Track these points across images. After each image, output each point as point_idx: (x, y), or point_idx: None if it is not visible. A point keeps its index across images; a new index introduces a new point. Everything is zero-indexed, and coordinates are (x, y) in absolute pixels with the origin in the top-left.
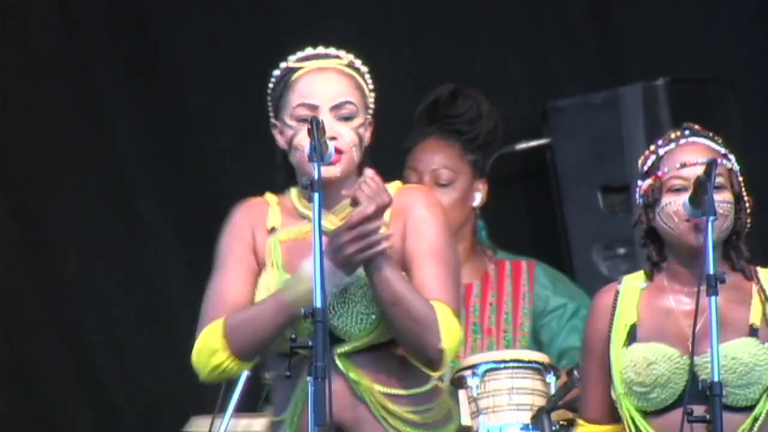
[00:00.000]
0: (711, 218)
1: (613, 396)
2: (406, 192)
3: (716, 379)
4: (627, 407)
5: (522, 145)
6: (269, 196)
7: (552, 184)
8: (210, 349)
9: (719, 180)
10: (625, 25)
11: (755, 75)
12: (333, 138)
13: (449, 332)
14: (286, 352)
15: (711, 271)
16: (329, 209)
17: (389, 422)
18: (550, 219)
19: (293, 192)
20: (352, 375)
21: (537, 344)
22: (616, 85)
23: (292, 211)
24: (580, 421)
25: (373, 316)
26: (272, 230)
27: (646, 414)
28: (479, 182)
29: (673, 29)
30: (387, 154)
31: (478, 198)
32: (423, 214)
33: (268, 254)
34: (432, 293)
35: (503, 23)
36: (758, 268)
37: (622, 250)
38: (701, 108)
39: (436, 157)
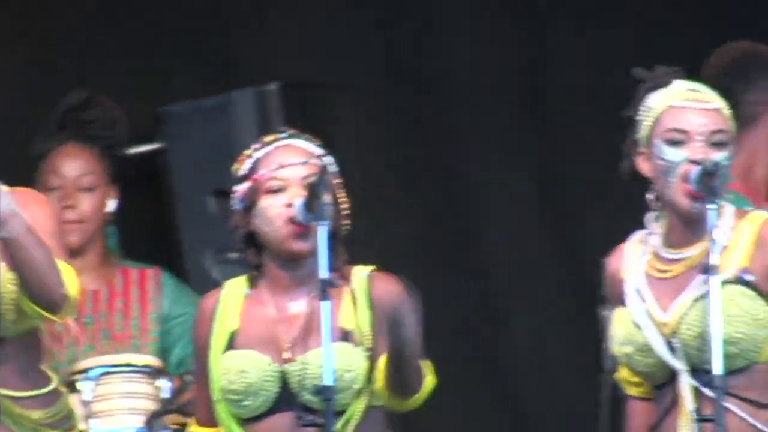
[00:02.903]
0: (322, 223)
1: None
2: None
3: (328, 383)
4: (224, 413)
5: (135, 150)
6: None
7: (164, 189)
8: None
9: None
10: (239, 30)
11: (370, 79)
12: None
13: (71, 280)
14: None
15: (324, 276)
16: None
17: (13, 423)
18: (164, 224)
19: None
20: None
21: (165, 350)
22: (230, 90)
23: None
24: (191, 423)
25: None
26: None
27: (244, 420)
28: (112, 188)
29: (287, 33)
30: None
31: (112, 204)
32: None
33: None
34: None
35: (118, 30)
36: (354, 269)
37: (233, 255)
38: (315, 112)
39: (78, 163)
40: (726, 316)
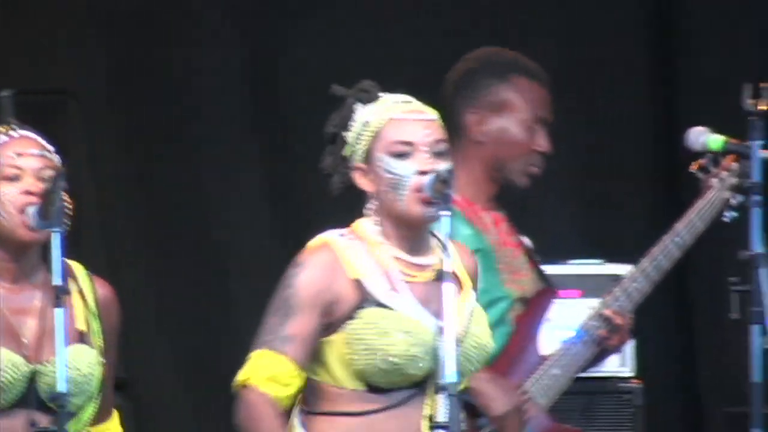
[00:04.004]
0: (56, 230)
1: None
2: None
3: (62, 389)
4: None
5: None
6: None
7: None
8: None
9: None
10: None
11: (101, 86)
12: None
13: None
14: None
15: (58, 282)
16: None
17: None
18: None
19: None
20: None
21: None
22: None
23: None
24: None
25: None
26: None
27: None
28: None
29: (18, 41)
30: None
31: None
32: None
33: None
34: None
35: None
36: (72, 264)
37: None
38: (43, 119)
39: None
40: (483, 325)
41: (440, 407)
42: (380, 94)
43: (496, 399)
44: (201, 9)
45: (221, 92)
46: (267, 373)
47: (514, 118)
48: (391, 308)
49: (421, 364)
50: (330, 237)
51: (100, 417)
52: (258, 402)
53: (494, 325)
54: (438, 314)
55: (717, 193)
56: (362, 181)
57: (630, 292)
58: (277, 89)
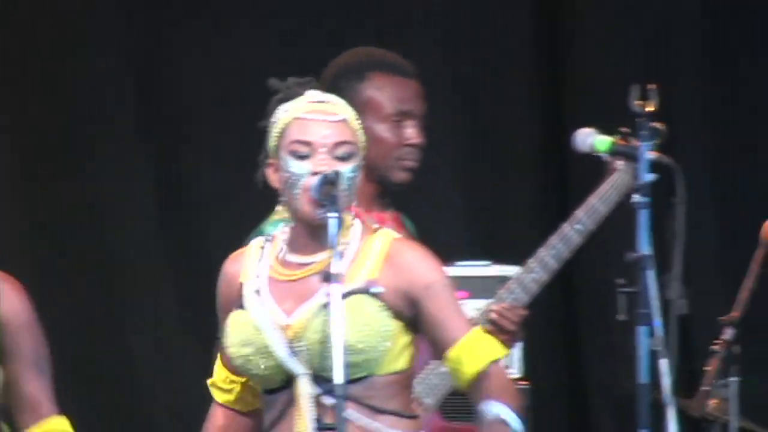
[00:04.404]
0: None
1: None
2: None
3: None
4: None
5: None
6: None
7: None
8: None
9: None
10: None
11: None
12: None
13: None
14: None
15: None
16: None
17: None
18: None
19: None
20: None
21: None
22: None
23: None
24: None
25: None
26: None
27: None
28: None
29: None
30: None
31: None
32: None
33: None
34: None
35: None
36: None
37: None
38: None
39: None
40: (351, 325)
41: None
42: (304, 91)
43: None
44: (84, 15)
45: (106, 99)
46: (213, 378)
47: (376, 116)
48: (246, 310)
49: (263, 366)
50: (255, 240)
51: (29, 419)
52: (211, 408)
53: None
54: (290, 313)
55: (622, 175)
56: (273, 177)
57: (526, 283)
58: (163, 95)
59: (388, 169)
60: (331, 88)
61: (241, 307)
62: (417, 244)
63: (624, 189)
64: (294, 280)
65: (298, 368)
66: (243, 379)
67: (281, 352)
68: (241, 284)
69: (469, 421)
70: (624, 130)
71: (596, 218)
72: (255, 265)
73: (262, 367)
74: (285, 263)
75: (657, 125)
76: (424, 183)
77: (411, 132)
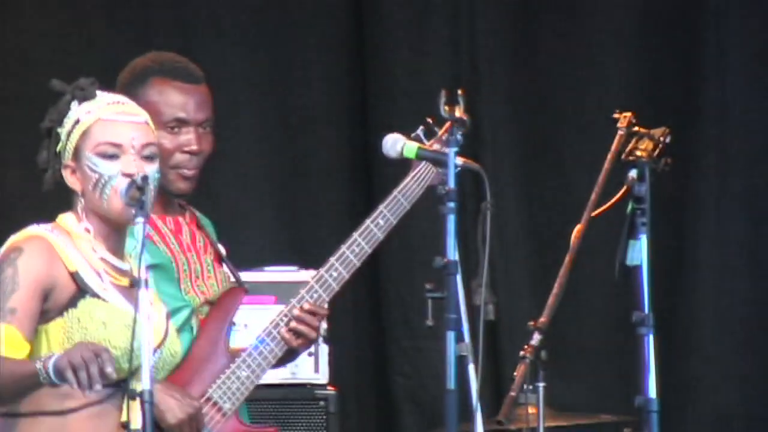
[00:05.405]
0: None
1: None
2: None
3: None
4: None
5: None
6: None
7: None
8: None
9: None
10: None
11: None
12: None
13: None
14: None
15: None
16: None
17: None
18: None
19: None
20: None
21: None
22: None
23: None
24: None
25: None
26: None
27: None
28: None
29: None
30: None
31: None
32: None
33: None
34: None
35: None
36: None
37: None
38: None
39: None
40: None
41: (134, 413)
42: (98, 92)
43: (168, 410)
44: None
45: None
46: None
47: (155, 121)
48: (108, 302)
49: (135, 361)
50: (40, 231)
51: None
52: None
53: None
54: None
55: (424, 169)
56: (71, 179)
57: (326, 281)
58: None
59: (165, 176)
60: (122, 91)
61: (93, 295)
62: None
63: (427, 182)
64: (126, 287)
65: (144, 374)
66: (29, 347)
67: (144, 357)
68: (70, 272)
69: (271, 425)
70: (429, 120)
71: (398, 212)
72: (76, 256)
73: (134, 362)
74: (111, 266)
75: (464, 128)
76: (233, 188)
77: (186, 139)
